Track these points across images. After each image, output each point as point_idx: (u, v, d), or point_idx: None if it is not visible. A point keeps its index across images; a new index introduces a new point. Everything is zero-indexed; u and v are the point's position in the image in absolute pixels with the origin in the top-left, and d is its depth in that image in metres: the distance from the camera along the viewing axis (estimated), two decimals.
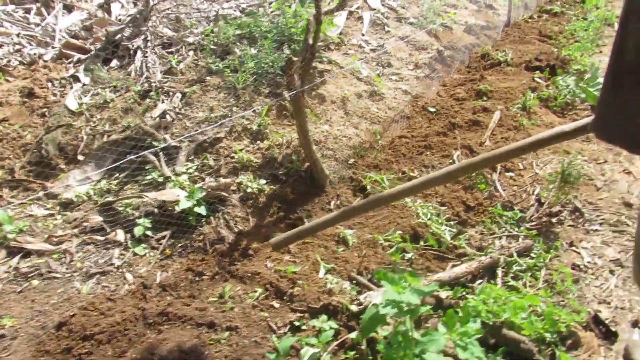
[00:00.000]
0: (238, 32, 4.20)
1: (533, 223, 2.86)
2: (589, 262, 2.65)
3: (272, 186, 3.04)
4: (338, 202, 3.00)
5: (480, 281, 2.43)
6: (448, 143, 3.54)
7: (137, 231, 2.70)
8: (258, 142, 3.26)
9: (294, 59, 2.61)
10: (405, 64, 4.71)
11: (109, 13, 5.25)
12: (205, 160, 3.16)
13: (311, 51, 2.66)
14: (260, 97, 3.58)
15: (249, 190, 2.94)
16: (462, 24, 6.16)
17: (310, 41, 2.66)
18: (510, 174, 3.34)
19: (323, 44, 4.39)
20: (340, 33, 5.04)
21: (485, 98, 4.16)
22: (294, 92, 2.68)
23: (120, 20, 4.98)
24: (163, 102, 3.52)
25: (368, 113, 3.79)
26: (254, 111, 3.41)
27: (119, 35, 4.33)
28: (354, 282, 2.31)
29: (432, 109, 4.04)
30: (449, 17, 5.94)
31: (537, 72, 4.72)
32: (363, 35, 5.04)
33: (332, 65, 4.11)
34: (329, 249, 2.53)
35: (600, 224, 2.93)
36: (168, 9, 4.88)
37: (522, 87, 4.37)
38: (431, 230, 2.69)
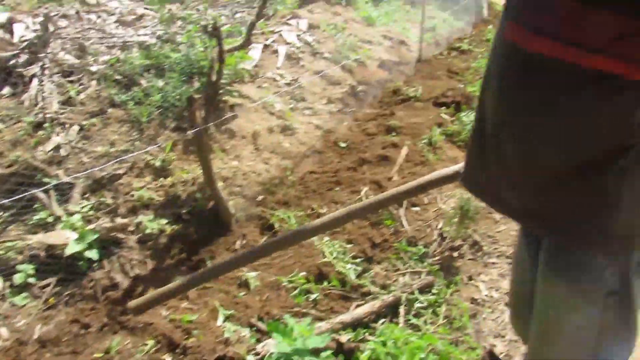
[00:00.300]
0: (147, 62, 4.07)
1: (436, 258, 2.93)
2: (486, 295, 2.74)
3: (174, 226, 2.91)
4: (244, 241, 2.92)
5: (383, 320, 2.43)
6: (357, 178, 3.59)
7: (18, 278, 2.45)
8: (161, 179, 3.12)
9: (196, 96, 2.54)
10: (319, 98, 4.77)
11: (11, 34, 4.91)
12: (102, 199, 2.97)
13: (214, 88, 2.61)
14: (166, 132, 3.45)
15: (148, 230, 2.78)
16: (376, 59, 6.38)
17: (214, 78, 2.60)
18: (416, 208, 3.43)
19: (235, 77, 4.35)
20: (256, 66, 5.03)
21: (394, 133, 4.28)
22: (196, 129, 2.60)
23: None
24: (58, 134, 3.29)
25: (279, 148, 3.77)
26: (158, 146, 3.27)
27: (13, 61, 4.04)
28: (254, 328, 2.23)
29: (343, 144, 4.10)
30: (364, 53, 6.13)
31: (444, 108, 4.95)
32: (278, 68, 5.07)
33: (243, 99, 4.07)
34: (230, 293, 2.44)
35: (498, 256, 3.06)
36: (74, 33, 4.64)
37: (429, 122, 4.55)
38: (337, 269, 2.67)
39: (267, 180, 3.43)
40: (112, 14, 6.48)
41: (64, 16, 5.06)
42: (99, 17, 6.02)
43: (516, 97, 0.98)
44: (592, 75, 0.84)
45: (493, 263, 3.00)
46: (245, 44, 2.72)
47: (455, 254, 3.01)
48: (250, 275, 2.58)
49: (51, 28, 4.22)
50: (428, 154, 3.97)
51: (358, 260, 2.81)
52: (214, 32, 2.34)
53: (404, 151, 3.98)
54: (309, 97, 4.70)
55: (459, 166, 1.96)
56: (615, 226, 0.96)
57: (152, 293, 2.15)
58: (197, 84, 3.82)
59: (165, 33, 5.25)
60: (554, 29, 0.87)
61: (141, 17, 6.83)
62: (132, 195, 2.98)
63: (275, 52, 5.29)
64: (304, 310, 2.37)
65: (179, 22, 6.49)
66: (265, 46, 5.33)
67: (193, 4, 10.12)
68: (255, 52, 5.16)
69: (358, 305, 2.49)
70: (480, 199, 1.24)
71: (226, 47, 2.66)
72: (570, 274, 1.05)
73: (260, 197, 3.30)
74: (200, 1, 11.02)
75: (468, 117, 4.64)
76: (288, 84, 4.77)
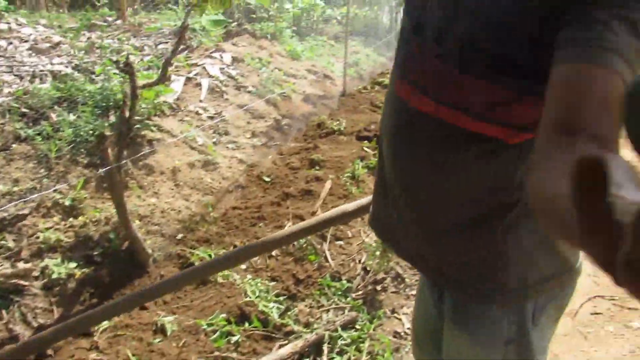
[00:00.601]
0: (58, 94, 3.86)
1: (359, 293, 2.94)
2: (408, 328, 2.77)
3: (85, 269, 2.72)
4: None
5: None
6: (281, 213, 3.56)
7: None
8: (71, 219, 2.93)
9: (107, 132, 2.42)
10: (243, 132, 4.74)
11: None
12: (3, 242, 2.74)
13: (127, 124, 2.51)
14: (77, 169, 3.26)
15: (55, 275, 2.59)
16: (300, 93, 6.47)
17: (127, 114, 2.51)
18: (340, 242, 3.45)
19: (154, 110, 4.23)
20: (178, 99, 4.93)
21: (318, 167, 4.32)
22: (108, 167, 2.48)
23: None
24: None
25: (201, 184, 3.68)
26: (68, 184, 3.08)
27: None
28: None
29: (267, 179, 4.07)
30: (288, 87, 6.20)
31: (366, 141, 5.08)
32: (201, 102, 5.00)
33: (163, 133, 3.96)
34: (144, 340, 2.30)
35: None
36: None
37: (352, 156, 4.64)
38: (259, 309, 2.61)
39: (187, 217, 3.32)
40: (25, 41, 6.16)
41: None
42: (10, 43, 5.69)
43: (406, 152, 1.01)
44: (475, 136, 0.88)
45: (415, 295, 3.06)
46: (161, 80, 2.65)
47: (379, 288, 3.04)
48: (167, 319, 2.45)
49: None
50: (351, 187, 4.03)
51: (281, 298, 2.77)
52: (126, 68, 2.26)
53: (328, 185, 4.02)
54: (232, 130, 4.66)
55: (361, 201, 1.99)
56: (509, 279, 1.00)
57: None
58: (112, 118, 3.67)
59: (82, 63, 5.06)
60: (437, 91, 0.91)
61: (57, 44, 6.54)
62: (38, 237, 2.77)
63: (199, 85, 5.22)
64: (224, 355, 2.28)
65: (98, 52, 6.28)
66: (188, 79, 5.26)
67: (115, 33, 9.86)
68: (177, 85, 5.06)
69: (281, 346, 2.43)
70: (384, 241, 1.24)
71: (142, 82, 2.58)
72: (470, 326, 1.07)
73: (179, 235, 3.18)
74: (122, 30, 10.81)
75: None
76: (211, 118, 4.70)
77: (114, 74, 3.89)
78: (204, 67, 5.50)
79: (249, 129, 4.79)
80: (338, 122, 5.63)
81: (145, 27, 9.00)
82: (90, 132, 3.41)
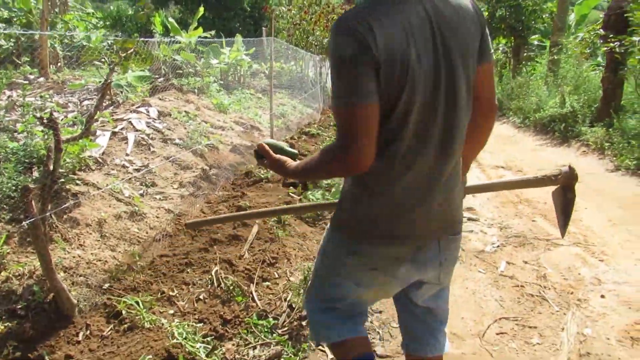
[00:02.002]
0: None
1: (285, 329, 3.11)
2: (332, 358, 2.95)
3: (7, 323, 2.70)
4: (88, 332, 2.81)
5: None
6: (209, 259, 3.69)
7: None
8: None
9: (31, 186, 2.51)
10: (170, 183, 4.86)
11: None
12: None
13: (51, 178, 2.61)
14: (0, 225, 3.26)
15: None
16: (228, 144, 6.70)
17: (51, 167, 2.61)
18: (267, 283, 3.61)
19: (79, 165, 4.28)
20: (103, 153, 5.00)
21: None
22: (31, 220, 2.55)
23: None
24: None
25: (127, 234, 3.75)
26: None
27: None
28: None
29: None
30: (215, 139, 6.41)
31: (292, 187, 5.35)
32: (127, 155, 5.09)
33: (88, 186, 4.01)
34: None
35: None
36: None
37: (278, 201, 4.88)
38: (186, 349, 2.70)
39: (114, 267, 3.37)
40: None
41: None
42: None
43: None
44: None
45: None
46: (84, 134, 2.78)
47: (304, 323, 3.21)
48: None
49: None
50: (277, 230, 4.23)
51: (209, 338, 2.87)
52: (49, 123, 2.40)
53: (255, 230, 4.20)
54: (160, 182, 4.77)
55: None
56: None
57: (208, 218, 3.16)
58: (36, 174, 3.70)
59: (3, 121, 5.02)
60: None
61: None
62: None
63: (125, 139, 5.32)
64: None
65: (20, 109, 6.23)
66: (114, 133, 5.34)
67: (37, 91, 9.77)
68: (102, 139, 5.14)
69: None
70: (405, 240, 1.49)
71: (65, 137, 2.70)
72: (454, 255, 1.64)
73: (106, 285, 3.22)
74: (45, 88, 10.72)
75: (314, 195, 5.08)
76: (138, 170, 4.80)
77: (39, 131, 3.94)
78: (130, 122, 5.62)
79: (176, 180, 4.92)
80: (266, 171, 5.88)
81: (69, 84, 8.99)
82: (13, 187, 3.43)
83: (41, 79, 15.17)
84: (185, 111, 7.04)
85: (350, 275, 1.52)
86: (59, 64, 20.36)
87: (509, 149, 8.24)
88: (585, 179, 6.06)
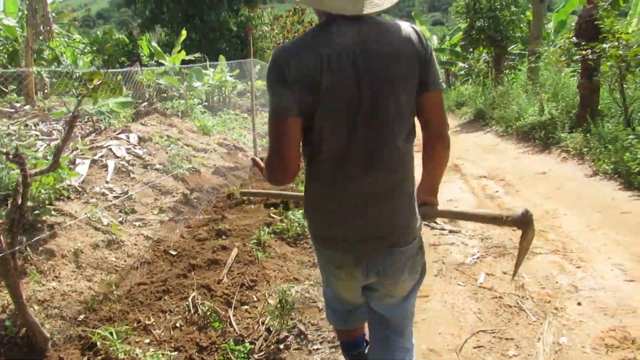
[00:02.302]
0: None
1: (262, 353, 3.09)
2: None
3: None
4: None
5: None
6: (187, 284, 3.68)
7: None
8: None
9: None
10: (150, 209, 4.86)
11: None
12: None
13: (19, 212, 2.61)
14: None
15: None
16: (210, 166, 6.72)
17: (19, 202, 2.62)
18: (246, 307, 3.60)
19: (56, 195, 4.28)
20: (83, 182, 5.00)
21: (224, 237, 4.51)
22: (0, 255, 2.54)
23: None
24: None
25: (105, 263, 3.73)
26: None
27: None
28: None
29: (173, 252, 4.19)
30: (197, 162, 6.43)
31: (272, 208, 5.36)
32: (107, 182, 5.09)
33: (65, 216, 4.01)
34: None
35: (321, 342, 3.32)
36: None
37: (259, 223, 4.88)
38: None
39: (90, 298, 3.35)
40: None
41: None
42: None
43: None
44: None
45: (317, 349, 3.25)
46: (53, 167, 2.78)
47: (282, 346, 3.20)
48: None
49: None
50: (257, 252, 4.23)
51: None
52: (15, 159, 2.41)
53: (234, 253, 4.20)
54: (139, 208, 4.77)
55: None
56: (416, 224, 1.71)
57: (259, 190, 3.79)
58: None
59: None
60: None
61: None
62: None
63: (105, 166, 5.33)
64: None
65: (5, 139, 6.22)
66: (94, 161, 5.35)
67: (22, 119, 9.75)
68: (82, 168, 5.14)
69: None
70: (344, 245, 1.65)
71: (35, 170, 2.71)
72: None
73: (81, 317, 3.20)
74: (30, 116, 10.68)
75: (295, 215, 5.09)
76: (117, 197, 4.80)
77: (13, 164, 3.94)
78: (110, 149, 5.63)
79: (156, 206, 4.92)
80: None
81: (52, 112, 9.00)
82: None
83: (27, 107, 15.18)
84: (167, 135, 7.07)
85: (325, 272, 1.81)
86: (45, 91, 20.40)
87: (491, 158, 8.30)
88: (565, 185, 6.13)
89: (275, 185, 1.61)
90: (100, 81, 2.95)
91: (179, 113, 9.40)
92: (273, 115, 1.44)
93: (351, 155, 1.47)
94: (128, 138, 6.08)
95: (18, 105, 15.18)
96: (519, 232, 1.68)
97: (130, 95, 10.93)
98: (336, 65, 1.39)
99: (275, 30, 14.82)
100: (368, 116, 1.43)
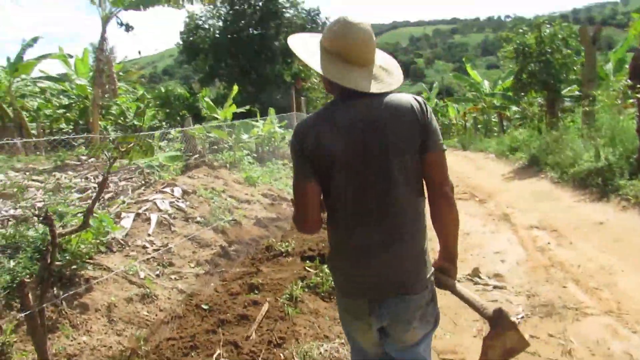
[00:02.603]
0: (3, 241, 4.09)
1: None
2: None
3: None
4: None
5: None
6: (215, 341, 3.65)
7: None
8: None
9: (27, 280, 2.62)
10: (187, 261, 4.94)
11: None
12: None
13: (48, 271, 2.72)
14: (12, 312, 3.39)
15: None
16: (252, 218, 6.80)
17: (48, 261, 2.73)
18: None
19: (97, 249, 4.45)
20: (127, 235, 5.18)
21: (257, 291, 4.49)
22: (28, 312, 2.64)
23: None
24: None
25: (136, 317, 3.79)
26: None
27: None
28: None
29: (205, 306, 4.20)
30: (239, 214, 6.54)
31: (308, 261, 5.30)
32: (149, 235, 5.25)
33: (103, 270, 4.14)
34: None
35: None
36: None
37: (293, 276, 4.83)
38: None
39: (118, 352, 3.39)
40: None
41: None
42: None
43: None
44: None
45: None
46: (83, 227, 2.90)
47: None
48: None
49: None
50: (288, 308, 4.17)
51: None
52: (44, 221, 2.53)
53: (264, 308, 4.15)
54: (177, 261, 4.86)
55: None
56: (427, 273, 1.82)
57: None
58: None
59: (46, 205, 5.34)
60: None
61: (25, 189, 6.87)
62: None
63: (148, 219, 5.51)
64: None
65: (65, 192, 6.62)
66: (138, 215, 5.55)
67: (84, 172, 10.31)
68: (127, 221, 5.35)
69: None
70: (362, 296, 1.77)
71: (66, 230, 2.84)
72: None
73: None
74: (92, 169, 11.31)
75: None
76: (157, 250, 4.92)
77: (57, 220, 4.16)
78: (155, 202, 5.84)
79: (193, 259, 5.00)
80: (287, 244, 5.89)
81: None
82: (28, 275, 3.58)
83: (92, 160, 16.17)
84: (212, 187, 7.26)
85: (345, 327, 1.91)
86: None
87: (544, 207, 7.91)
88: (625, 237, 5.70)
89: (303, 233, 1.93)
90: (132, 144, 3.09)
91: (227, 165, 9.68)
92: (295, 180, 1.71)
93: (363, 210, 1.66)
94: (172, 191, 6.29)
95: (84, 158, 16.22)
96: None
97: (182, 149, 11.44)
98: (348, 135, 1.61)
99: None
100: (377, 176, 1.63)
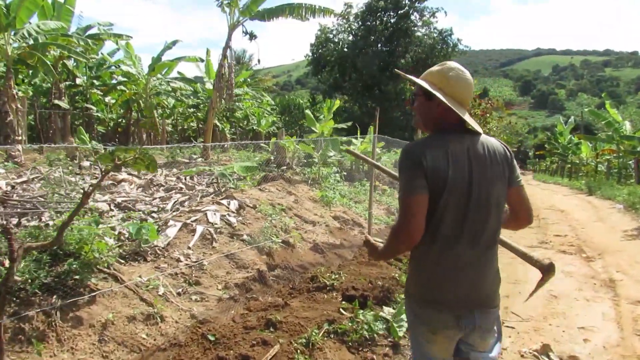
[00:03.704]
0: None
1: None
2: None
3: None
4: None
5: None
6: None
7: None
8: None
9: None
10: (217, 282, 4.66)
11: None
12: None
13: (4, 288, 2.55)
14: None
15: None
16: (309, 241, 6.37)
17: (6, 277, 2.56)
18: None
19: (134, 255, 4.33)
20: (168, 244, 5.07)
21: (272, 329, 4.04)
22: None
23: None
24: None
25: (131, 340, 3.55)
26: None
27: None
28: None
29: (211, 337, 3.84)
30: (295, 235, 6.15)
31: (347, 302, 4.73)
32: (189, 248, 5.08)
33: (115, 282, 3.99)
34: None
35: None
36: None
37: (321, 318, 4.31)
38: None
39: None
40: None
41: None
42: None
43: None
44: None
45: None
46: (53, 244, 2.71)
47: None
48: None
49: None
50: (300, 355, 3.67)
51: None
52: (3, 232, 2.36)
53: (272, 352, 3.69)
54: (205, 280, 4.60)
55: None
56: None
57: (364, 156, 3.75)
58: (66, 266, 3.80)
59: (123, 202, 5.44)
60: None
61: (120, 182, 7.16)
62: None
63: (194, 231, 5.36)
64: None
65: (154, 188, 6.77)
66: (186, 225, 5.43)
67: (181, 171, 10.60)
68: (172, 230, 5.24)
69: None
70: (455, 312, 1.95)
71: (35, 243, 2.67)
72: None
73: None
74: (192, 168, 11.58)
75: (367, 315, 4.37)
76: (189, 265, 4.72)
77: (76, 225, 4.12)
78: (206, 214, 5.68)
79: (224, 280, 4.71)
80: (336, 276, 5.37)
81: (183, 171, 9.65)
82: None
83: (200, 159, 17.02)
84: (278, 203, 6.99)
85: (417, 334, 2.02)
86: (225, 146, 22.80)
87: None
88: None
89: (394, 250, 1.99)
90: (131, 157, 2.85)
91: (309, 180, 9.40)
92: (407, 192, 1.82)
93: (462, 233, 1.86)
94: (229, 204, 6.10)
95: (195, 157, 17.17)
96: None
97: (271, 160, 11.43)
98: (458, 163, 1.84)
99: None
100: (476, 204, 1.86)
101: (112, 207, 7.33)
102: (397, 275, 5.80)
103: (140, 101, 25.00)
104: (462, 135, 1.90)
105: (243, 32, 19.32)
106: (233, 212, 5.97)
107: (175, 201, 7.66)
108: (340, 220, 7.71)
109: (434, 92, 1.89)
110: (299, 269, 5.60)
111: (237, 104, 28.55)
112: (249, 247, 5.31)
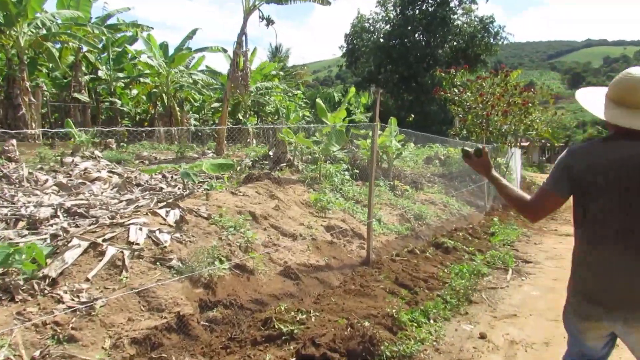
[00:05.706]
0: None
1: None
2: None
3: None
4: None
5: None
6: None
7: None
8: None
9: None
10: (105, 336, 3.16)
11: None
12: None
13: None
14: None
15: None
16: (280, 263, 4.79)
17: None
18: None
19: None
20: (62, 273, 3.64)
21: None
22: None
23: None
24: None
25: None
26: None
27: None
28: None
29: None
30: (253, 257, 4.58)
31: None
32: (88, 280, 3.62)
33: None
34: None
35: None
36: None
37: None
38: None
39: None
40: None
41: None
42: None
43: None
44: None
45: None
46: None
47: None
48: None
49: None
50: None
51: None
52: None
53: None
54: (87, 334, 3.12)
55: None
56: None
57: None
58: None
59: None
60: None
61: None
62: None
63: (103, 254, 3.89)
64: None
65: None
66: (95, 244, 3.96)
67: (185, 165, 9.23)
68: (70, 253, 3.80)
69: None
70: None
71: None
72: None
73: None
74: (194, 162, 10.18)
75: None
76: (72, 309, 3.25)
77: None
78: (128, 229, 4.19)
79: (119, 332, 3.21)
80: (305, 316, 3.83)
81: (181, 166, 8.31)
82: None
83: (211, 154, 15.65)
84: (249, 211, 5.45)
85: (572, 324, 2.16)
86: (248, 140, 21.55)
87: None
88: None
89: (513, 207, 2.28)
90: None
91: (307, 179, 7.81)
92: (548, 186, 2.09)
93: (609, 235, 1.94)
94: (167, 215, 4.59)
95: (208, 152, 15.89)
96: None
97: (271, 153, 9.90)
98: (612, 170, 1.93)
99: (467, 93, 12.37)
100: (624, 210, 1.92)
101: (59, 213, 6.01)
102: (394, 312, 4.18)
103: (164, 95, 24.10)
104: (629, 141, 1.94)
105: (260, 17, 17.89)
106: (170, 227, 4.46)
107: (137, 206, 6.29)
108: (335, 230, 6.09)
109: (589, 109, 2.06)
110: (253, 306, 4.04)
111: (265, 97, 27.31)
112: (175, 279, 3.78)
